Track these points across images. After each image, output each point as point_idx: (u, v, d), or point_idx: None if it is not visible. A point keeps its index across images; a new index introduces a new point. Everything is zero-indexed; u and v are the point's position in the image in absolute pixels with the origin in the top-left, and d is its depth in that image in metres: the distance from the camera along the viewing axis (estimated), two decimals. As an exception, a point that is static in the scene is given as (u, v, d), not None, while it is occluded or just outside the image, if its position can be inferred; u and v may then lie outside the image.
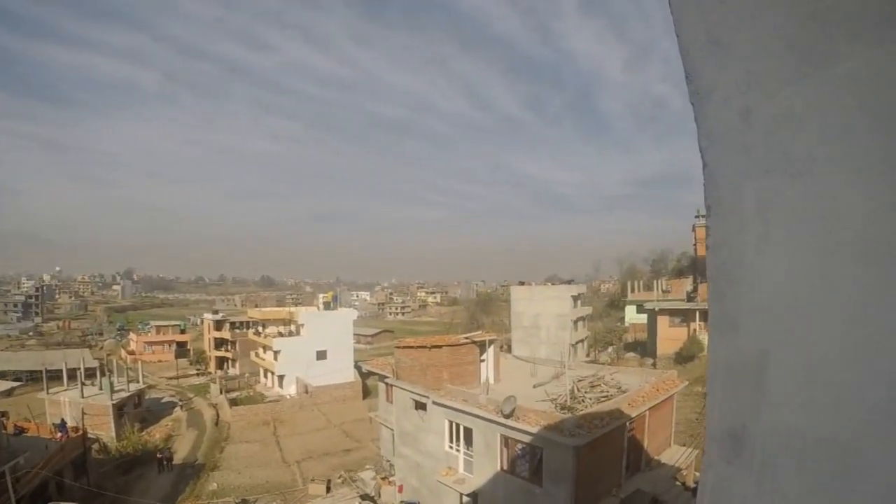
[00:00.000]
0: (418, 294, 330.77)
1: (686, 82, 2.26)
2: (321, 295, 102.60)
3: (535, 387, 36.71)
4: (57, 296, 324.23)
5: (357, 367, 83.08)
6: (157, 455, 51.26)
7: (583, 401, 31.72)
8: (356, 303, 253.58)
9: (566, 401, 31.34)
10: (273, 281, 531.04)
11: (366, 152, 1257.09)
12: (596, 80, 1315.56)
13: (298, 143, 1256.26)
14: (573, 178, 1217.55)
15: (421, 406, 36.32)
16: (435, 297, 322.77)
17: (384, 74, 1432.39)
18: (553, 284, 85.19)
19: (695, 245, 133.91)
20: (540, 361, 47.22)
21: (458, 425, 33.11)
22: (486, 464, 30.56)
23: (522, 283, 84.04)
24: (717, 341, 2.25)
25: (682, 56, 2.26)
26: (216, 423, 69.24)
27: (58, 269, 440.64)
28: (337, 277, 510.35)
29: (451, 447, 33.92)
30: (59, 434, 49.58)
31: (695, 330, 70.99)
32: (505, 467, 29.49)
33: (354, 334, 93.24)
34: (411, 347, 39.39)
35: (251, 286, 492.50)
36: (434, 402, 34.37)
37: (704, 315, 71.30)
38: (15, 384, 42.73)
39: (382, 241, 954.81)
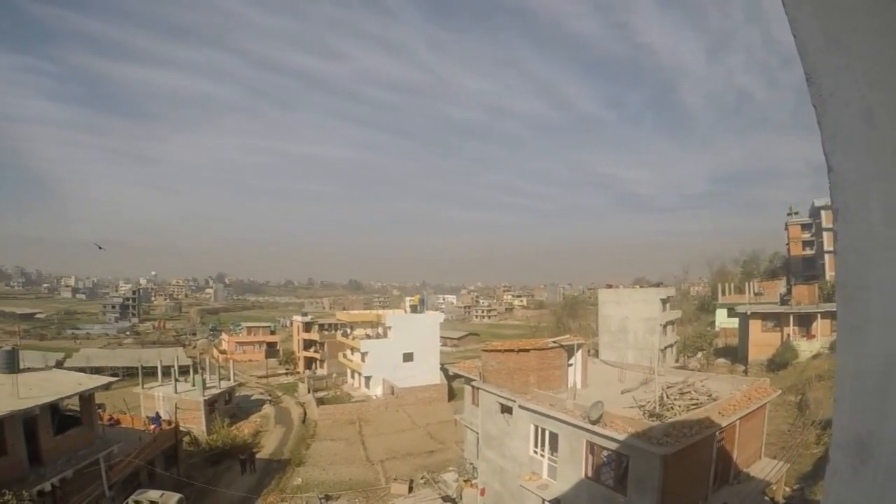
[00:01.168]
0: (504, 297, 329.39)
1: (807, 84, 2.20)
2: (408, 298, 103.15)
3: (622, 393, 35.76)
4: (153, 298, 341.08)
5: (443, 370, 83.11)
6: (240, 457, 52.25)
7: (672, 408, 30.68)
8: (442, 306, 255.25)
9: (655, 408, 30.38)
10: (360, 284, 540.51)
11: (443, 157, 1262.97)
12: (675, 73, 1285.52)
13: (377, 150, 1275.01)
14: (653, 177, 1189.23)
15: (507, 410, 35.95)
16: (521, 301, 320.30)
17: (458, 78, 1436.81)
18: (641, 287, 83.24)
19: (788, 244, 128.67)
20: (628, 366, 46.12)
21: (543, 430, 32.52)
22: (570, 470, 29.99)
23: (610, 286, 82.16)
24: (844, 347, 2.18)
25: (801, 56, 2.17)
26: (303, 421, 70.93)
27: (153, 273, 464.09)
28: (423, 281, 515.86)
29: (535, 452, 33.40)
30: (153, 426, 51.74)
31: (788, 335, 67.20)
32: (589, 474, 28.78)
33: (441, 337, 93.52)
34: (499, 351, 39.06)
35: (339, 289, 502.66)
36: (520, 406, 33.92)
37: (799, 319, 68.01)
38: (112, 379, 44.62)
39: (465, 244, 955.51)
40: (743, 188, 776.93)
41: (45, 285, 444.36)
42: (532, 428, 33.36)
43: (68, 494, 33.45)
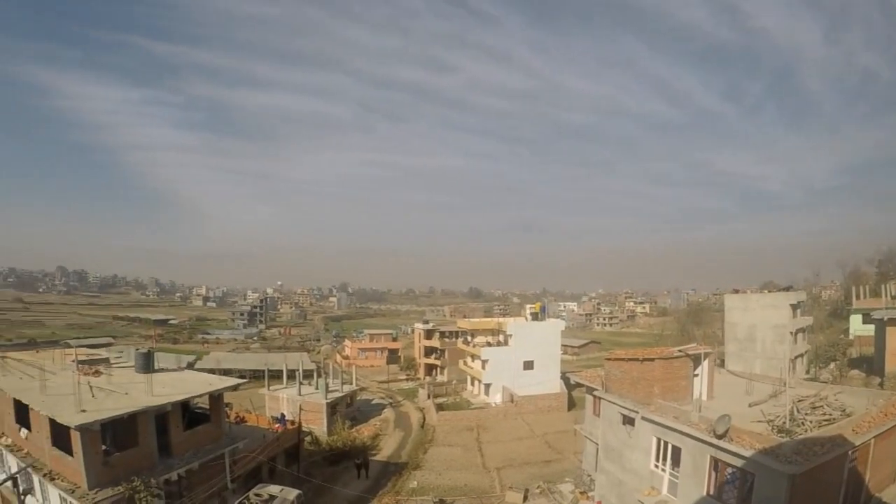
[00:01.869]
0: (626, 304, 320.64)
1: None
2: (528, 305, 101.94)
3: (750, 406, 33.31)
4: (279, 306, 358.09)
5: (563, 379, 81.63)
6: (355, 461, 52.58)
7: (802, 423, 28.28)
8: (563, 313, 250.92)
9: (784, 423, 28.11)
10: (480, 292, 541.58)
11: (557, 162, 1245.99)
12: (792, 57, 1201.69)
13: (492, 158, 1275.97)
14: (777, 173, 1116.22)
15: (629, 421, 34.37)
16: (643, 308, 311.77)
17: (567, 81, 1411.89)
18: (769, 292, 77.86)
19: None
20: (756, 378, 43.28)
21: (665, 443, 30.73)
22: (691, 487, 28.11)
23: (736, 291, 77.40)
24: None
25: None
26: (422, 426, 71.25)
27: (279, 283, 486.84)
28: (543, 288, 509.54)
29: (656, 466, 31.67)
30: (277, 425, 53.40)
31: (931, 344, 60.33)
32: (711, 492, 26.76)
33: (561, 345, 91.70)
34: (622, 360, 37.49)
35: (459, 297, 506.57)
36: (643, 418, 32.30)
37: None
38: (240, 381, 46.47)
39: (585, 250, 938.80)
40: (875, 180, 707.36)
41: (178, 294, 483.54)
42: (654, 441, 31.70)
43: (193, 485, 34.94)
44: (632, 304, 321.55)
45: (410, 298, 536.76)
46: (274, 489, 35.38)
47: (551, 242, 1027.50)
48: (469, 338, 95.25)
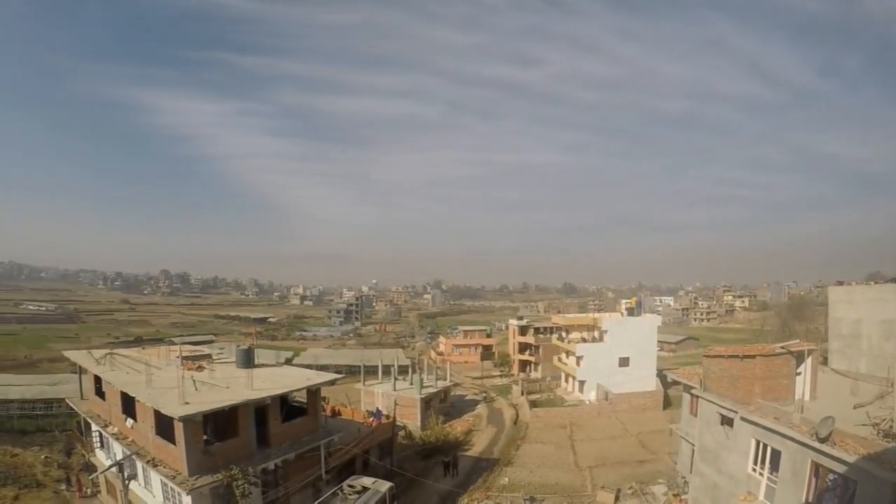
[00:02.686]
0: (724, 298, 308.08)
1: None
2: (623, 301, 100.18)
3: (855, 407, 31.59)
4: (374, 304, 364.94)
5: (659, 376, 79.67)
6: (444, 459, 52.46)
7: (910, 428, 26.62)
8: (659, 308, 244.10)
9: (891, 427, 26.50)
10: (575, 288, 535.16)
11: (650, 152, 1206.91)
12: (892, 24, 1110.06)
13: (584, 151, 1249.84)
14: (883, 152, 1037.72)
15: (727, 421, 33.17)
16: (742, 302, 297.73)
17: (656, 67, 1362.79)
18: (876, 283, 72.99)
19: None
20: (861, 377, 40.95)
21: (765, 446, 29.47)
22: (789, 493, 26.80)
23: (840, 283, 72.95)
24: None
25: None
26: (515, 423, 71.29)
27: (374, 281, 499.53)
28: (639, 282, 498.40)
29: (754, 470, 30.53)
30: (372, 419, 54.46)
31: None
32: (811, 499, 25.39)
33: (657, 341, 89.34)
34: (721, 357, 36.15)
35: (553, 293, 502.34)
36: (742, 418, 31.13)
37: None
38: (336, 376, 47.90)
39: (682, 243, 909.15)
40: None
41: (276, 294, 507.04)
42: (753, 443, 30.49)
43: (289, 474, 36.32)
44: (730, 297, 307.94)
45: (504, 295, 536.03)
46: (367, 481, 36.03)
47: (646, 235, 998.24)
48: (563, 334, 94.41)
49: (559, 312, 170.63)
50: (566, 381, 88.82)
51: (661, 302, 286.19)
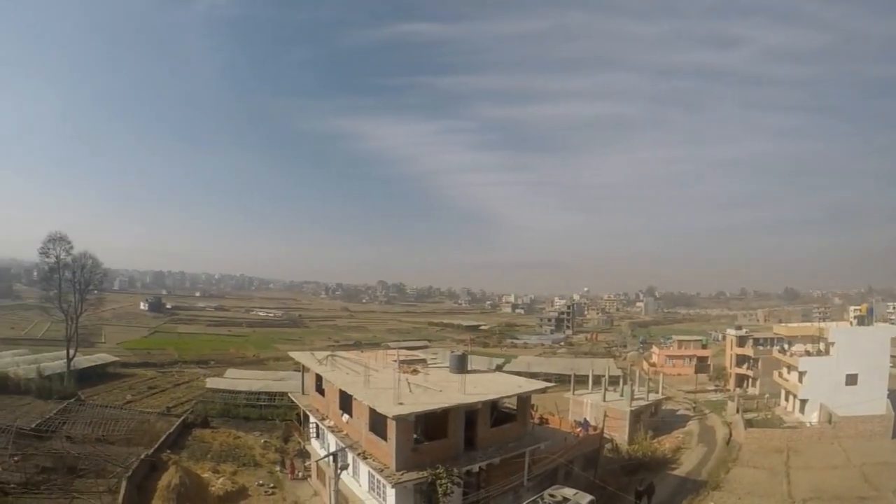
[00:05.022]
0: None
1: None
2: (852, 308, 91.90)
3: None
4: (585, 312, 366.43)
5: (890, 397, 71.56)
6: (637, 488, 48.76)
7: None
8: (893, 316, 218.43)
9: None
10: (797, 293, 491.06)
11: (872, 128, 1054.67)
12: None
13: (798, 135, 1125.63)
14: None
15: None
16: None
17: (866, 27, 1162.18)
18: None
19: None
20: None
21: None
22: None
23: None
24: None
25: None
26: (727, 443, 68.46)
27: (586, 289, 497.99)
28: (869, 286, 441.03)
29: None
30: (579, 429, 55.87)
31: None
32: None
33: (891, 356, 79.70)
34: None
35: (773, 299, 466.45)
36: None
37: None
38: (547, 384, 49.67)
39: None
40: None
41: (488, 302, 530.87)
42: None
43: (491, 479, 39.05)
44: None
45: (720, 302, 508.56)
46: (568, 492, 36.76)
47: (877, 229, 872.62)
48: (786, 346, 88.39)
49: (780, 321, 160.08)
50: (785, 399, 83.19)
51: (894, 309, 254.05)
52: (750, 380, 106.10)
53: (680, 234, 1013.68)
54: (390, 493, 34.75)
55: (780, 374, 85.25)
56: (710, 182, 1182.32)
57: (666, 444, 67.83)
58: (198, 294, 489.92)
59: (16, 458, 49.44)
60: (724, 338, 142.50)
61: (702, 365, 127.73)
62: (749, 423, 72.21)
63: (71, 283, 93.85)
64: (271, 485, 53.37)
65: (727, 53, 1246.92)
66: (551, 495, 36.16)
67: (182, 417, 73.16)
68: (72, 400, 75.65)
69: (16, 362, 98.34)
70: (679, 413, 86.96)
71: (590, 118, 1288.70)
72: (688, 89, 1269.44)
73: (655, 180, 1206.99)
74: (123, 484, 43.43)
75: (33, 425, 61.20)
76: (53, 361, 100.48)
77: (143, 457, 51.92)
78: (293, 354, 63.07)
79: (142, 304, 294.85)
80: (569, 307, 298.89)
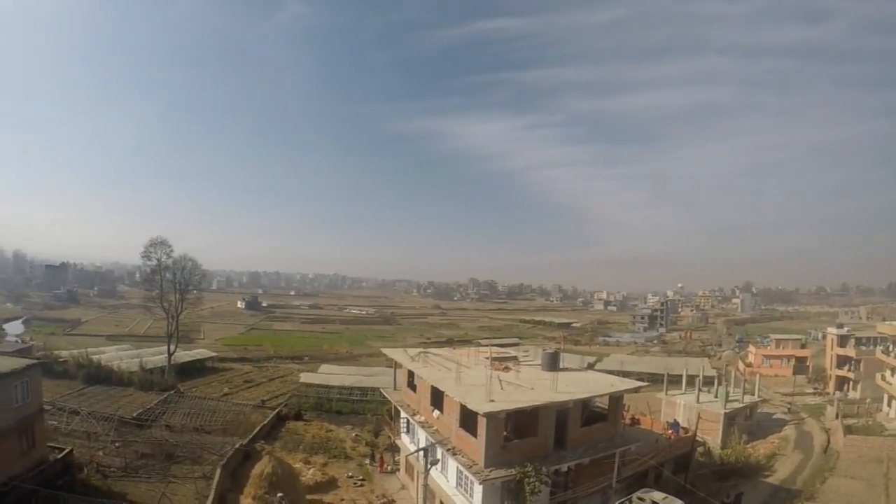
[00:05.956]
0: None
1: None
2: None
3: None
4: (679, 309, 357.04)
5: None
6: (724, 500, 47.15)
7: None
8: None
9: None
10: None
11: None
12: None
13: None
14: None
15: None
16: None
17: None
18: None
19: None
20: None
21: None
22: None
23: None
24: None
25: None
26: (824, 450, 65.35)
27: (680, 285, 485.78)
28: None
29: None
30: (671, 431, 54.89)
31: None
32: None
33: None
34: None
35: (877, 295, 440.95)
36: None
37: None
38: (640, 384, 49.02)
39: None
40: None
41: (579, 299, 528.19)
42: None
43: (580, 478, 38.94)
44: None
45: (821, 298, 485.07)
46: (657, 496, 35.38)
47: None
48: (890, 346, 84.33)
49: (884, 319, 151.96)
50: (888, 404, 78.79)
51: None
52: (851, 383, 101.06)
53: (777, 225, 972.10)
54: (477, 489, 35.16)
55: (884, 377, 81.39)
56: (808, 169, 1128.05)
57: (760, 449, 65.58)
58: (292, 293, 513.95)
59: (117, 444, 53.25)
60: (824, 337, 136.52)
61: (800, 366, 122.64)
62: (848, 430, 68.57)
63: (172, 283, 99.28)
64: (360, 477, 55.11)
65: (818, 28, 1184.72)
66: (640, 499, 34.92)
67: (276, 410, 76.38)
68: (171, 392, 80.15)
69: (119, 357, 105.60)
70: (775, 417, 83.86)
71: (679, 106, 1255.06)
72: (779, 69, 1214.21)
73: (750, 169, 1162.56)
74: (218, 471, 45.95)
75: (135, 414, 65.72)
76: (155, 356, 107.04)
77: (237, 446, 54.72)
78: (386, 351, 64.45)
79: (239, 302, 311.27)
80: (662, 304, 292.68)
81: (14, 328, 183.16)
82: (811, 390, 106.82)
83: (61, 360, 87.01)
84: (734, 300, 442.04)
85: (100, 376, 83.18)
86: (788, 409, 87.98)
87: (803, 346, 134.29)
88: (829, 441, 68.66)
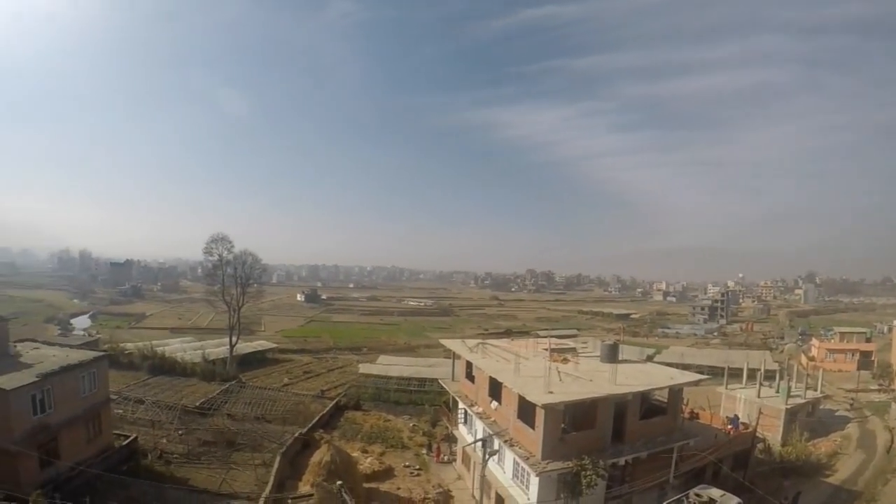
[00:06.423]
0: None
1: None
2: None
3: None
4: (741, 300, 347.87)
5: None
6: (782, 500, 45.52)
7: None
8: None
9: None
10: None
11: None
12: None
13: None
14: None
15: None
16: None
17: None
18: None
19: None
20: None
21: None
22: None
23: None
24: None
25: None
26: (888, 450, 63.45)
27: (741, 276, 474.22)
28: None
29: None
30: (730, 427, 54.31)
31: None
32: None
33: None
34: None
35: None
36: None
37: None
38: (700, 377, 48.52)
39: None
40: None
41: (638, 290, 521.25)
42: None
43: (638, 472, 38.91)
44: None
45: (887, 289, 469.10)
46: (715, 493, 35.49)
47: None
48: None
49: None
50: (958, 402, 76.34)
51: None
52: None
53: (841, 212, 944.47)
54: (534, 481, 35.46)
55: (953, 374, 78.27)
56: (874, 151, 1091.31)
57: (822, 447, 63.96)
58: (351, 285, 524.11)
59: (180, 432, 55.55)
60: (890, 330, 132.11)
61: (865, 361, 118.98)
62: (915, 429, 66.79)
63: (233, 277, 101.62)
64: (417, 467, 56.08)
65: (879, 3, 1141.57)
66: (697, 495, 35.14)
67: (335, 400, 78.12)
68: (233, 382, 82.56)
69: (183, 349, 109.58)
70: (838, 414, 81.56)
71: (737, 89, 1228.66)
72: (840, 47, 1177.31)
73: (813, 154, 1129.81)
74: (277, 458, 47.71)
75: (197, 404, 68.10)
76: (217, 348, 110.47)
77: (297, 435, 56.50)
78: (444, 342, 65.07)
79: (298, 295, 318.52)
80: (722, 295, 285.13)
81: (81, 322, 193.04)
82: (876, 387, 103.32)
83: (127, 352, 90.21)
84: (797, 291, 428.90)
85: (164, 367, 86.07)
86: (851, 405, 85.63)
87: (868, 340, 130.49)
88: (892, 441, 66.61)
